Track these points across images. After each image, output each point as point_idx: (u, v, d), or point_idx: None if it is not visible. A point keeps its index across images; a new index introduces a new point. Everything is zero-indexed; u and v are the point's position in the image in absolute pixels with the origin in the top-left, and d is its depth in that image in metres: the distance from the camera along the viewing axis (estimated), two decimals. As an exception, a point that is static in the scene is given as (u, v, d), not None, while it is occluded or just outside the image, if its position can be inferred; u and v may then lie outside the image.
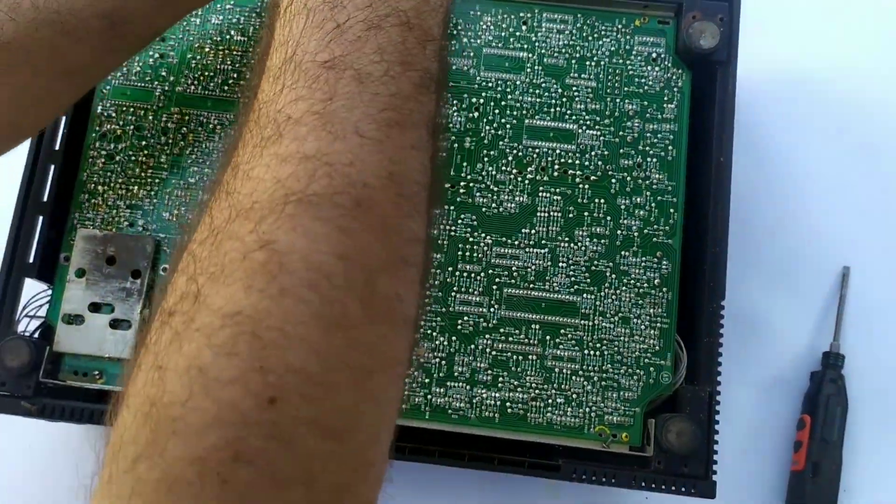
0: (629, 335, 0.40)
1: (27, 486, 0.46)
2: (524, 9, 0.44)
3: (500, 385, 0.40)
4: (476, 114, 0.43)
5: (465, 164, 0.42)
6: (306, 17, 0.25)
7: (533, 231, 0.41)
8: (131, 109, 0.43)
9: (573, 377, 0.40)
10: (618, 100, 0.43)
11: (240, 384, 0.20)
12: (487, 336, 0.40)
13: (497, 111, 0.43)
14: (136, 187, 0.42)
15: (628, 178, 0.42)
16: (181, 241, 0.24)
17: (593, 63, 0.43)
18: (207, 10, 0.44)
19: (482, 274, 0.41)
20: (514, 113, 0.43)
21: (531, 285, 0.41)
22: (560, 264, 0.41)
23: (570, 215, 0.42)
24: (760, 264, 0.49)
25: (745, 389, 0.47)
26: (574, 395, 0.40)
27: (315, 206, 0.22)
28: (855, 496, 0.45)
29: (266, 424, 0.20)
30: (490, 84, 0.43)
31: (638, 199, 0.42)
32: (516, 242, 0.41)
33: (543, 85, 0.43)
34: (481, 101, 0.43)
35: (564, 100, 0.43)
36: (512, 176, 0.42)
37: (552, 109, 0.43)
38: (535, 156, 0.42)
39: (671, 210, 0.42)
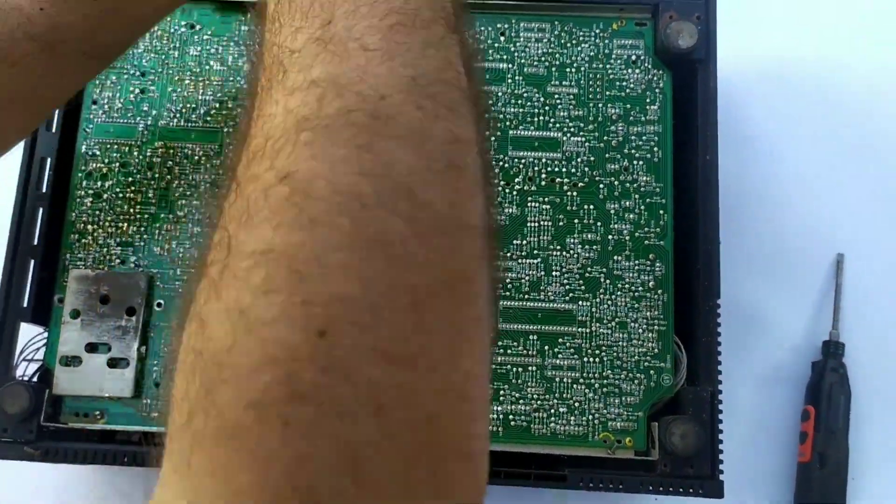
0: (627, 339, 0.40)
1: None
2: (501, 19, 0.44)
3: (501, 398, 0.40)
4: (460, 128, 0.43)
5: (452, 179, 0.42)
6: None
7: (524, 241, 0.41)
8: (115, 146, 0.43)
9: (574, 385, 0.40)
10: (600, 104, 0.43)
11: (284, 320, 0.19)
12: (486, 350, 0.40)
13: (481, 124, 0.43)
14: (125, 224, 0.42)
15: (616, 183, 0.42)
16: (216, 201, 0.24)
17: (574, 69, 0.43)
18: (185, 43, 0.44)
19: (476, 288, 0.41)
20: (498, 125, 0.43)
21: (526, 296, 0.41)
22: (554, 273, 0.41)
23: (561, 223, 0.42)
24: (754, 258, 0.49)
25: (747, 384, 0.47)
26: (576, 404, 0.40)
27: (330, 129, 0.21)
28: (863, 484, 0.45)
29: (319, 357, 0.18)
30: (472, 97, 0.43)
31: (627, 203, 0.42)
32: (508, 254, 0.41)
33: (525, 95, 0.43)
34: (464, 114, 0.43)
35: (547, 108, 0.43)
36: (500, 188, 0.42)
37: (535, 119, 0.43)
38: (521, 166, 0.42)
39: (660, 211, 0.42)
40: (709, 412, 0.39)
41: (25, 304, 0.41)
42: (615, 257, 0.41)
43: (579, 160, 0.42)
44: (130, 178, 0.43)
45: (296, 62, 0.22)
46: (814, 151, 0.50)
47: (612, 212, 0.42)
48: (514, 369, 0.40)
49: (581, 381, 0.40)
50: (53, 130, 0.43)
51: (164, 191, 0.43)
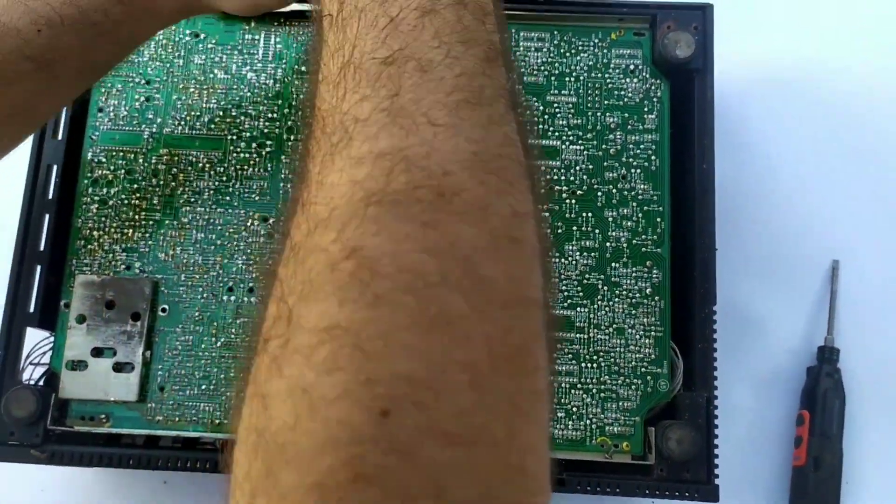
0: (625, 345, 0.41)
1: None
2: (501, 29, 0.44)
3: (500, 403, 0.40)
4: (460, 136, 0.43)
5: (452, 186, 0.43)
6: (359, 19, 0.24)
7: (523, 249, 0.42)
8: (121, 154, 0.44)
9: (572, 391, 0.41)
10: (599, 113, 0.43)
11: (348, 399, 0.19)
12: (485, 355, 0.41)
13: (481, 132, 0.43)
14: (130, 230, 0.43)
15: (614, 191, 0.43)
16: (268, 266, 0.23)
17: (572, 78, 0.44)
18: (190, 51, 0.45)
19: (476, 294, 0.42)
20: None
21: (525, 302, 0.41)
22: (552, 280, 0.42)
23: (559, 231, 0.42)
24: (751, 263, 0.49)
25: (743, 388, 0.47)
26: (574, 409, 0.40)
27: (397, 205, 0.21)
28: (857, 488, 0.46)
29: (382, 438, 0.18)
30: (472, 106, 0.44)
31: (625, 211, 0.42)
32: (508, 261, 0.42)
33: (524, 103, 0.44)
34: (465, 123, 0.43)
35: (546, 117, 0.43)
36: (499, 195, 0.42)
37: (535, 127, 0.43)
38: (520, 174, 0.43)
39: (658, 219, 0.42)
40: (705, 417, 0.39)
41: (32, 310, 0.42)
42: (613, 264, 0.42)
43: (578, 168, 0.43)
44: (136, 185, 0.43)
45: (361, 131, 0.22)
46: (810, 158, 0.51)
47: (610, 219, 0.42)
48: (513, 374, 0.41)
49: (579, 386, 0.41)
50: (60, 138, 0.44)
51: (168, 197, 0.43)
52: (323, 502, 0.18)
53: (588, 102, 0.44)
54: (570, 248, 0.42)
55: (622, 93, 0.44)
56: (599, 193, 0.43)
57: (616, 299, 0.41)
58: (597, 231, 0.42)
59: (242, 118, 0.44)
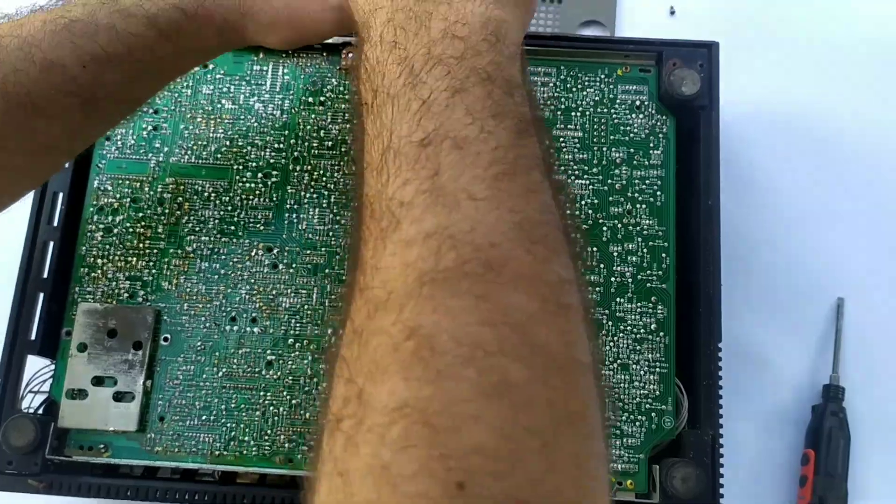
0: (629, 381, 0.41)
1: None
2: (508, 64, 0.45)
3: (503, 438, 0.40)
4: (466, 169, 0.43)
5: (457, 219, 0.43)
6: (392, 105, 0.26)
7: (528, 282, 0.42)
8: (127, 182, 0.44)
9: (576, 426, 0.40)
10: (604, 148, 0.44)
11: (424, 475, 0.19)
12: (488, 389, 0.41)
13: (487, 166, 0.43)
14: (134, 258, 0.43)
15: (619, 226, 0.43)
16: (332, 347, 0.24)
17: (579, 113, 0.44)
18: (198, 81, 0.45)
19: (480, 327, 0.41)
20: (504, 166, 0.43)
21: (529, 336, 0.41)
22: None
23: (564, 265, 0.42)
24: (756, 300, 0.49)
25: (748, 426, 0.47)
26: (578, 445, 0.40)
27: (449, 282, 0.22)
28: (863, 530, 0.45)
29: None
30: (478, 139, 0.44)
31: (630, 246, 0.42)
32: (512, 294, 0.42)
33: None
34: (471, 156, 0.44)
35: (552, 151, 0.44)
36: (504, 229, 0.43)
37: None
38: (526, 208, 0.43)
39: (663, 255, 0.42)
40: (710, 456, 0.39)
41: (33, 337, 0.42)
42: (618, 299, 0.42)
43: (583, 203, 0.43)
44: (141, 214, 0.43)
45: (408, 214, 0.23)
46: (815, 195, 0.51)
47: (615, 254, 0.42)
48: (517, 409, 0.40)
49: (583, 422, 0.40)
50: (66, 165, 0.44)
51: (173, 226, 0.43)
52: None
53: (594, 137, 0.44)
54: (575, 282, 0.42)
55: (628, 128, 0.44)
56: (605, 228, 0.43)
57: (620, 335, 0.41)
58: (601, 266, 0.42)
59: (249, 148, 0.44)
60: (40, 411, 0.41)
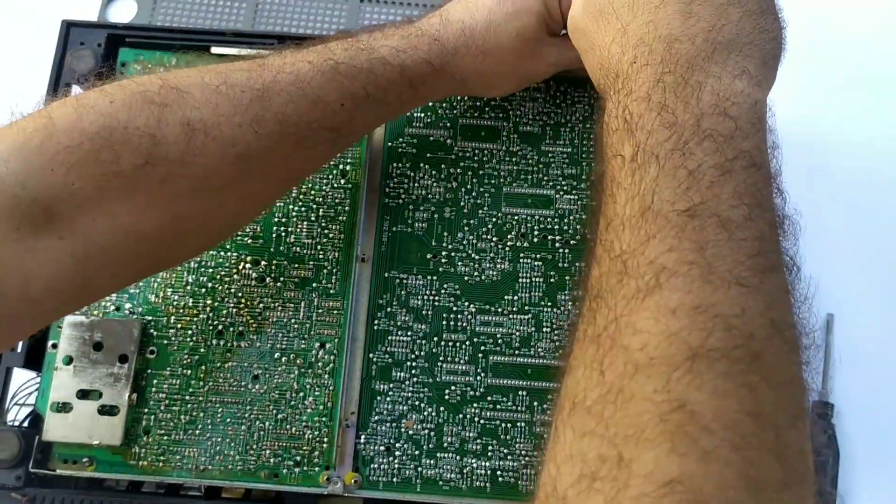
0: (616, 397, 0.41)
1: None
2: (497, 78, 0.45)
3: (490, 454, 0.40)
4: (455, 184, 0.43)
5: (445, 233, 0.43)
6: (657, 166, 0.26)
7: (516, 297, 0.42)
8: (115, 194, 0.44)
9: (562, 443, 0.40)
10: (593, 164, 0.44)
11: None
12: (475, 405, 0.41)
13: (475, 180, 0.44)
14: (121, 271, 0.43)
15: (607, 241, 0.42)
16: (559, 383, 0.25)
17: (567, 129, 0.44)
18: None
19: (467, 342, 0.41)
20: (492, 181, 0.43)
21: (517, 352, 0.41)
22: (544, 329, 0.41)
23: (552, 280, 0.42)
24: (745, 316, 0.49)
25: (737, 443, 0.47)
26: (564, 461, 0.40)
27: (717, 362, 0.22)
28: (851, 548, 0.45)
29: None
30: (467, 153, 0.44)
31: (618, 261, 0.42)
32: (500, 310, 0.42)
33: (519, 152, 0.44)
34: (459, 170, 0.44)
35: (541, 166, 0.44)
36: (492, 244, 0.43)
37: (529, 176, 0.43)
38: (514, 223, 0.43)
39: (651, 271, 0.42)
40: (696, 473, 0.39)
41: (19, 350, 0.42)
42: (605, 315, 0.41)
43: (571, 218, 0.43)
44: (128, 226, 0.43)
45: (671, 282, 0.24)
46: (804, 212, 0.51)
47: (603, 270, 0.42)
48: (503, 425, 0.40)
49: (569, 438, 0.40)
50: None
51: (161, 239, 0.43)
52: None
53: (583, 152, 0.44)
54: (563, 297, 0.42)
55: (617, 144, 0.44)
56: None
57: (608, 350, 0.41)
58: (589, 281, 0.42)
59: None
60: (25, 424, 0.41)
